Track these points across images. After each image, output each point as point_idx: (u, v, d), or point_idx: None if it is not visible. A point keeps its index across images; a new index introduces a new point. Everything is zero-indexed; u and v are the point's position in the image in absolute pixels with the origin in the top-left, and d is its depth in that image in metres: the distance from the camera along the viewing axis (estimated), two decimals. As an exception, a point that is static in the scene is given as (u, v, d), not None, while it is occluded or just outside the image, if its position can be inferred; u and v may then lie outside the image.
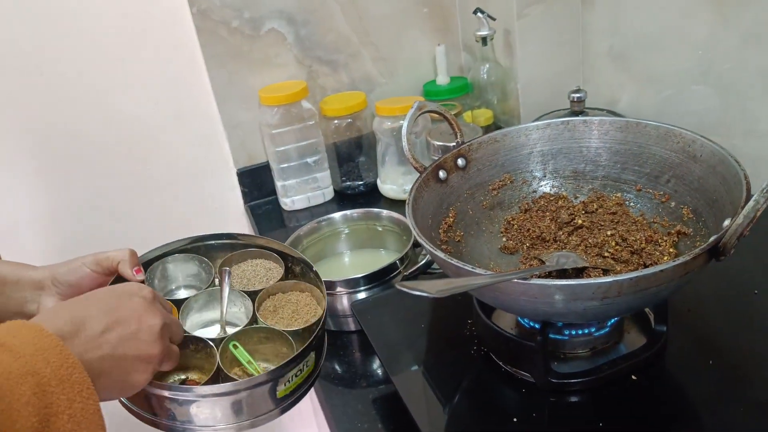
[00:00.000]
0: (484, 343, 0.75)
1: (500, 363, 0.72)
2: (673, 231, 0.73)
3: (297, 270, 0.84)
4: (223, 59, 1.25)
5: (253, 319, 0.76)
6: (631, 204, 0.80)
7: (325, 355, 0.76)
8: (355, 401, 0.79)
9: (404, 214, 0.72)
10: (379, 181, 1.28)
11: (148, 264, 0.80)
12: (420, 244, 0.67)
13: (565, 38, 1.22)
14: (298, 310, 0.78)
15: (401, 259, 0.94)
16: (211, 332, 0.77)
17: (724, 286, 0.77)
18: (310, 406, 1.42)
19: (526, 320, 0.73)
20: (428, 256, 0.94)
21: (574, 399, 0.67)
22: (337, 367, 0.88)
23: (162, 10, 1.20)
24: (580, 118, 0.83)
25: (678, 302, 0.75)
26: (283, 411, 0.69)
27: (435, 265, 0.94)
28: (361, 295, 0.90)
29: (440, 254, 0.62)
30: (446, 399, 0.70)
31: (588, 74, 1.24)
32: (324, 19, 1.29)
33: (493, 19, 1.18)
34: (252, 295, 0.78)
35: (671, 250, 0.71)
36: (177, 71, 1.25)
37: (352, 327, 0.92)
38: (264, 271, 0.83)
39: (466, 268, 0.59)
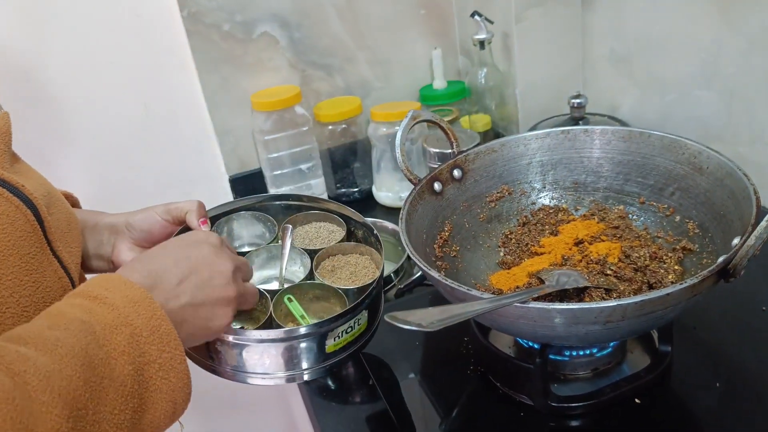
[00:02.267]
0: (481, 363, 0.72)
1: (497, 384, 0.69)
2: (678, 247, 0.70)
3: (359, 234, 0.83)
4: (215, 64, 1.22)
5: (310, 276, 0.75)
6: (634, 217, 0.77)
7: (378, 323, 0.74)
8: (348, 420, 0.77)
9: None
10: (374, 188, 1.25)
11: (215, 219, 0.81)
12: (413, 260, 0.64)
13: (565, 42, 1.19)
14: (356, 272, 0.77)
15: (396, 272, 0.91)
16: (270, 288, 0.76)
17: (730, 303, 0.74)
18: (307, 420, 1.40)
19: (524, 340, 0.70)
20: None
21: (574, 423, 0.64)
22: (329, 383, 0.85)
23: (152, 14, 1.17)
24: (581, 127, 0.80)
25: (683, 320, 0.72)
26: (332, 368, 0.69)
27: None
28: (355, 310, 0.87)
29: (434, 274, 0.59)
30: (441, 421, 0.68)
31: (588, 79, 1.21)
32: (318, 22, 1.26)
33: (491, 23, 1.15)
34: (312, 253, 0.78)
35: (676, 267, 0.68)
36: (168, 76, 1.22)
37: (345, 342, 0.89)
38: (326, 233, 0.83)
39: (461, 289, 0.56)
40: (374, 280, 0.71)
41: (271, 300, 0.70)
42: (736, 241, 0.56)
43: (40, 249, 0.56)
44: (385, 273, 0.90)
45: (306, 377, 0.68)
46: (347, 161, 1.27)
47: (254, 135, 1.25)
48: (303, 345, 0.66)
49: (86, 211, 0.77)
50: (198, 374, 0.70)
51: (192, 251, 0.57)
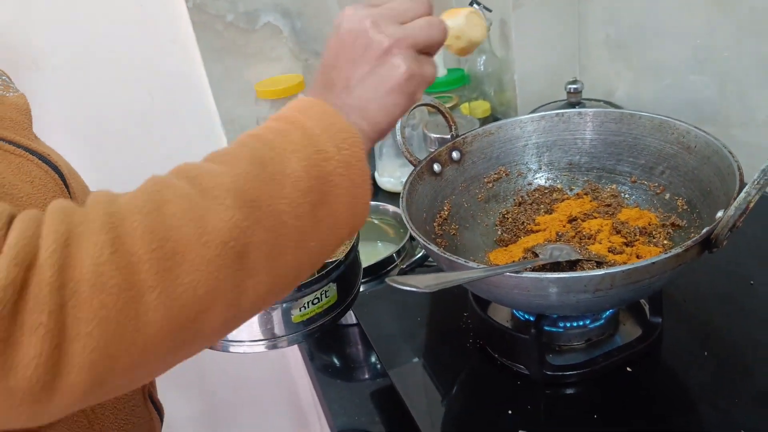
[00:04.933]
0: (480, 336, 0.75)
1: (496, 355, 0.72)
2: (667, 223, 0.73)
3: None
4: (219, 54, 1.25)
5: None
6: (626, 196, 0.80)
7: (355, 299, 0.76)
8: (353, 395, 0.80)
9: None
10: (376, 174, 1.27)
11: None
12: (415, 237, 0.67)
13: (562, 28, 1.21)
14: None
15: (398, 252, 0.94)
16: None
17: (719, 277, 0.77)
18: (312, 400, 1.43)
19: (520, 313, 0.73)
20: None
21: (569, 391, 0.67)
22: (335, 360, 0.88)
23: (157, 5, 1.20)
24: (574, 110, 0.82)
25: (673, 293, 0.75)
26: (302, 338, 0.71)
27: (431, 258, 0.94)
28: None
29: (434, 248, 0.62)
30: (442, 392, 0.70)
31: (585, 64, 1.24)
32: (319, 12, 1.28)
33: (489, 11, 1.17)
34: None
35: (665, 242, 0.71)
36: (173, 66, 1.25)
37: (350, 320, 0.92)
38: None
39: (459, 261, 0.59)
40: (343, 254, 0.72)
41: None
42: (719, 213, 0.59)
43: None
44: (387, 254, 0.93)
45: (274, 347, 0.70)
46: (350, 148, 1.30)
47: (259, 123, 1.27)
48: (269, 313, 0.68)
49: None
50: (200, 357, 0.73)
51: (343, 30, 0.52)
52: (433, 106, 0.82)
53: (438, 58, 1.32)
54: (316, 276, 0.69)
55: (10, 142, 0.58)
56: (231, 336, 0.69)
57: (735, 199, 0.56)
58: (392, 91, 0.50)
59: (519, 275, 0.56)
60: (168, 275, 0.37)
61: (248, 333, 0.69)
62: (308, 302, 0.69)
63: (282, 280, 0.44)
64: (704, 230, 0.57)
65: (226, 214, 0.40)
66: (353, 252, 0.75)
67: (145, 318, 0.36)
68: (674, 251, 0.55)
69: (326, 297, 0.71)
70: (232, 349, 0.70)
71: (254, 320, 0.68)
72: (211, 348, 0.69)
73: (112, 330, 0.35)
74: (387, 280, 0.51)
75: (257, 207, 0.41)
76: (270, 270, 0.42)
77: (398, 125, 0.77)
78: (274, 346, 0.70)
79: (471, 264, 0.58)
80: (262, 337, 0.70)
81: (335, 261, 0.71)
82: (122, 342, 0.36)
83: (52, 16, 1.15)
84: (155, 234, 0.37)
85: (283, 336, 0.70)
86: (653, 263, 0.54)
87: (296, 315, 0.69)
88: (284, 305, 0.68)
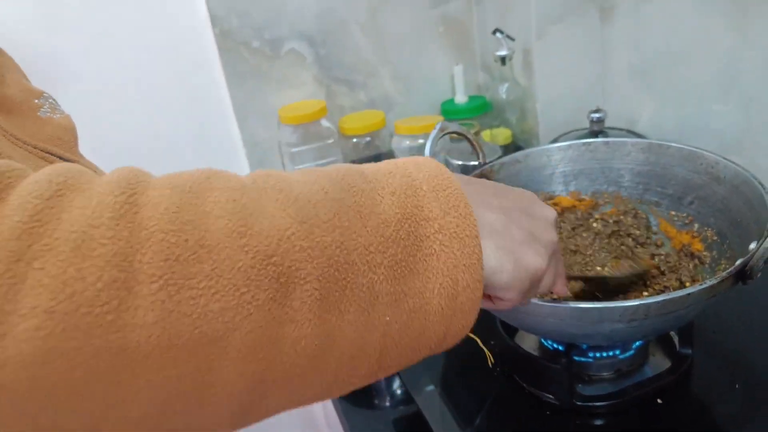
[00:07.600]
0: (507, 364, 0.74)
1: (523, 384, 0.71)
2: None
3: None
4: (244, 78, 1.26)
5: None
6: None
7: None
8: (376, 421, 0.79)
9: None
10: (397, 200, 1.28)
11: None
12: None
13: (585, 57, 1.22)
14: None
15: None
16: None
17: (750, 308, 0.77)
18: (324, 422, 1.42)
19: (549, 342, 0.73)
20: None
21: (598, 422, 0.67)
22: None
23: (183, 29, 1.22)
24: (601, 139, 0.83)
25: (703, 324, 0.74)
26: None
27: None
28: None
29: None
30: (468, 420, 0.70)
31: (608, 93, 1.24)
32: (343, 40, 1.30)
33: (512, 40, 1.18)
34: None
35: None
36: (197, 90, 1.27)
37: (373, 346, 0.91)
38: None
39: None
40: None
41: None
42: (753, 245, 0.59)
43: None
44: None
45: None
46: (371, 173, 1.30)
47: (281, 147, 1.29)
48: None
49: None
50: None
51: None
52: (459, 134, 0.82)
53: (459, 84, 1.34)
54: None
55: (62, 158, 0.59)
56: None
57: (769, 230, 0.56)
58: (515, 254, 0.41)
59: (555, 304, 0.56)
60: (180, 269, 0.29)
61: None
62: None
63: (338, 353, 0.34)
64: (738, 261, 0.57)
65: (283, 222, 0.32)
66: None
67: (129, 316, 0.27)
68: (709, 282, 0.55)
69: None
70: None
71: None
72: None
73: (76, 317, 0.27)
74: None
75: (325, 231, 0.33)
76: (320, 324, 0.33)
77: (427, 151, 0.77)
78: None
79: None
80: None
81: None
82: (87, 336, 0.27)
83: (78, 42, 1.16)
84: (181, 214, 0.30)
85: None
86: (689, 294, 0.54)
87: None
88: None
